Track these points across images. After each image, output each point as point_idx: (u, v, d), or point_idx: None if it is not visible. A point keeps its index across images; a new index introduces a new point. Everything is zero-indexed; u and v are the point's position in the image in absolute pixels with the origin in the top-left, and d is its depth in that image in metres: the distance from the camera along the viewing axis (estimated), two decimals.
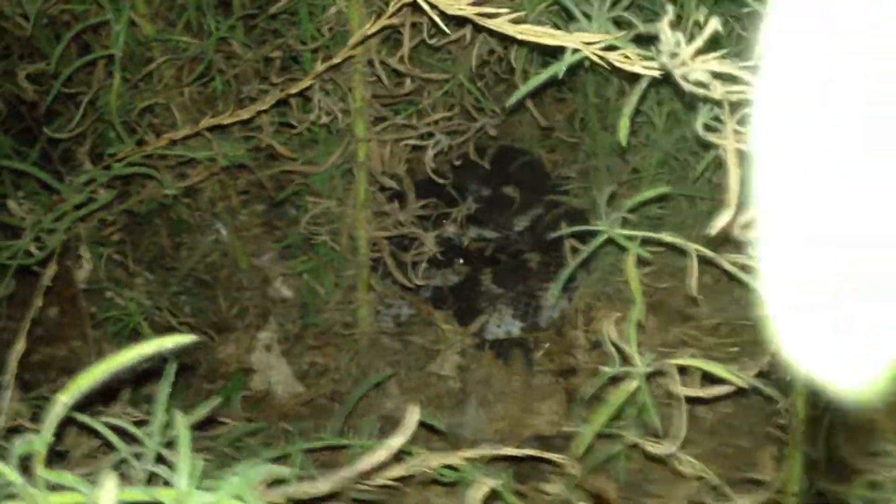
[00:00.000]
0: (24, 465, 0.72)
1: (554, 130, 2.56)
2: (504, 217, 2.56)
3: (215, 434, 1.56)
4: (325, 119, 1.95)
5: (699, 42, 0.93)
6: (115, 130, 2.01)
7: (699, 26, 0.98)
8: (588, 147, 2.38)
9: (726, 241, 1.55)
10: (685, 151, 2.16)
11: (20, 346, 1.35)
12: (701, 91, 1.01)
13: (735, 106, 1.08)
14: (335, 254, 2.08)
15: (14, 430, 1.39)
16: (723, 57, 0.99)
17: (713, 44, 0.98)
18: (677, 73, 0.97)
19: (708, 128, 1.20)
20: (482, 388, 2.07)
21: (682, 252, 2.28)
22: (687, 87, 0.98)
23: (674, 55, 0.94)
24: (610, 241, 1.39)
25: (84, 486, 0.70)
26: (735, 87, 1.02)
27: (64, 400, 0.70)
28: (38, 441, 0.70)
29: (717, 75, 0.99)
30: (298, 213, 2.27)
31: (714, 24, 0.91)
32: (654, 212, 2.20)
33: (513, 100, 1.34)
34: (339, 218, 2.04)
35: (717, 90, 0.99)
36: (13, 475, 0.69)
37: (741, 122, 1.17)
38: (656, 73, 1.16)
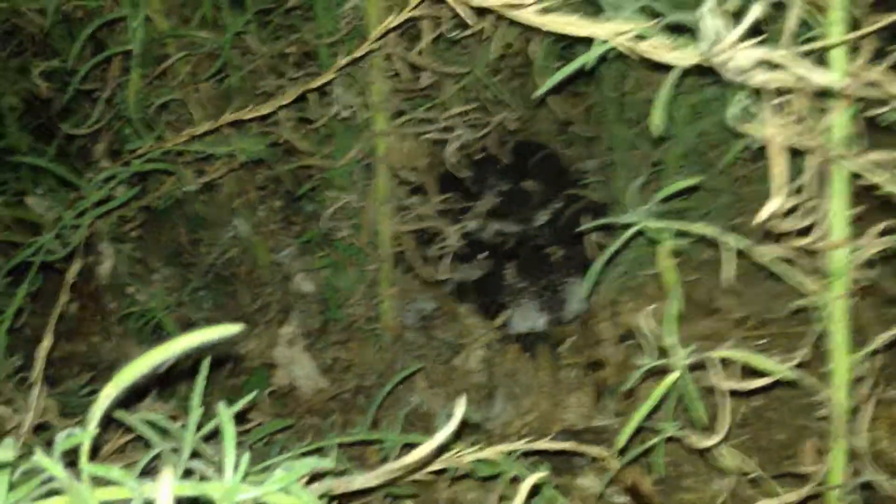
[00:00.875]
0: (65, 460, 0.71)
1: (571, 124, 2.54)
2: (524, 211, 2.54)
3: (245, 429, 1.55)
4: (344, 113, 1.93)
5: (742, 28, 0.90)
6: (133, 127, 2.00)
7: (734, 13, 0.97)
8: (606, 141, 2.37)
9: (756, 233, 1.53)
10: (705, 144, 2.14)
11: (47, 342, 1.34)
12: (741, 79, 0.99)
13: (773, 93, 1.06)
14: (356, 249, 2.07)
15: (42, 427, 1.38)
16: (763, 43, 0.97)
17: (753, 31, 0.96)
18: (717, 61, 0.94)
19: (740, 118, 1.18)
20: (509, 381, 2.05)
21: (707, 244, 2.27)
22: (727, 75, 0.96)
23: (715, 42, 0.92)
24: (635, 234, 1.37)
25: (131, 481, 0.68)
26: (775, 75, 1.00)
27: (109, 393, 0.68)
28: (83, 434, 0.68)
29: (758, 62, 0.97)
30: (317, 208, 2.26)
31: (757, 10, 0.89)
32: (677, 205, 2.18)
33: (540, 91, 1.32)
34: (359, 213, 2.02)
35: (759, 78, 0.97)
36: (57, 469, 0.67)
37: (780, 111, 1.15)
38: (688, 63, 1.14)
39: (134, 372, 0.70)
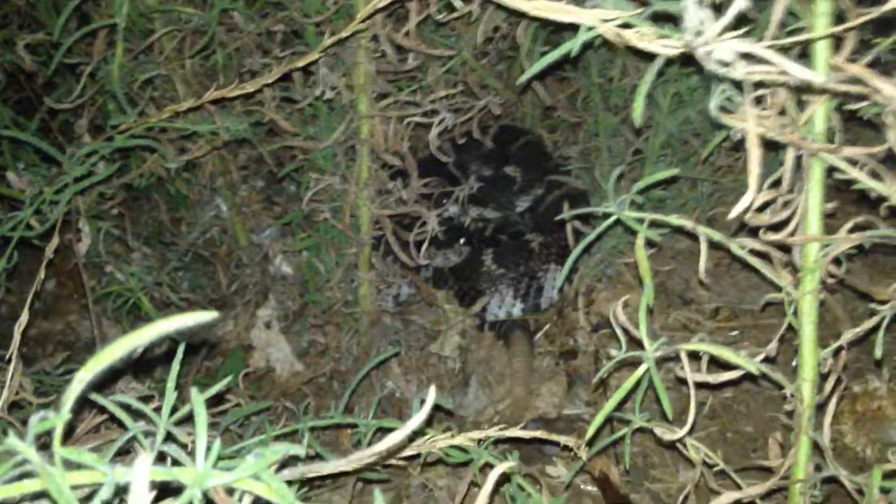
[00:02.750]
0: (39, 442, 0.71)
1: (556, 110, 2.55)
2: (505, 197, 2.55)
3: (220, 410, 1.55)
4: (329, 94, 1.92)
5: (725, 20, 0.91)
6: (117, 102, 1.99)
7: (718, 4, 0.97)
8: (590, 127, 2.37)
9: (732, 225, 1.55)
10: (688, 133, 2.15)
11: (23, 318, 1.34)
12: (723, 71, 0.99)
13: (756, 87, 1.07)
14: (336, 231, 2.07)
15: (17, 405, 1.38)
16: (746, 36, 0.97)
17: (738, 23, 0.97)
18: (701, 52, 0.95)
19: (722, 109, 1.18)
20: (483, 369, 2.07)
21: (682, 234, 2.29)
22: (709, 66, 0.96)
23: (698, 33, 0.92)
24: (613, 223, 1.37)
25: (104, 465, 0.69)
26: (757, 68, 1.01)
27: (84, 377, 0.69)
28: (57, 418, 0.69)
29: (741, 55, 0.97)
30: (299, 189, 2.26)
31: (741, 3, 0.89)
32: (656, 194, 2.19)
33: (524, 77, 1.32)
34: (341, 195, 2.02)
35: (740, 70, 0.98)
36: (30, 453, 0.68)
37: (761, 103, 1.16)
38: (674, 52, 1.15)
39: (109, 356, 0.70)
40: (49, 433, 0.72)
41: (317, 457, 1.39)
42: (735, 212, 1.03)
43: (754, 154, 1.00)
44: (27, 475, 0.71)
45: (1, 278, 1.79)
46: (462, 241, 2.41)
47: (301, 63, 1.81)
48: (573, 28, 1.22)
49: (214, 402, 1.54)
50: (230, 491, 0.76)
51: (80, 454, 0.68)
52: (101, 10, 2.03)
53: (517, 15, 2.02)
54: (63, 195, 1.75)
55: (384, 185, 2.02)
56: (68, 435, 1.32)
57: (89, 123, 2.09)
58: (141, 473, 0.61)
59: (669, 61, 1.18)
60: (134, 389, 1.39)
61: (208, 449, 0.74)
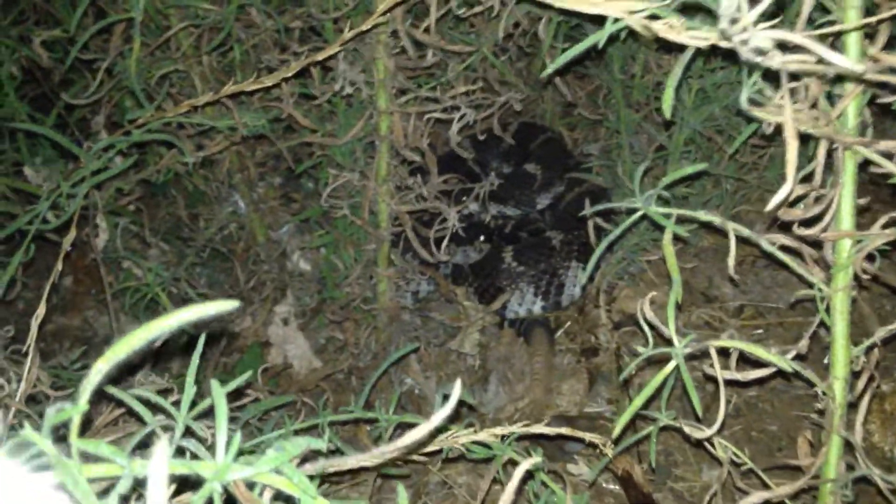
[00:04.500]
0: (56, 435, 0.69)
1: (576, 107, 2.52)
2: (526, 194, 2.53)
3: (239, 405, 1.54)
4: (348, 90, 1.90)
5: (762, 6, 0.88)
6: (134, 97, 1.98)
7: None
8: (611, 124, 2.35)
9: (759, 221, 1.52)
10: (712, 130, 2.12)
11: (41, 311, 1.32)
12: (759, 60, 0.96)
13: (792, 77, 1.04)
14: (355, 228, 2.05)
15: (33, 398, 1.37)
16: (782, 24, 0.94)
17: (769, 14, 0.94)
18: (737, 40, 0.92)
19: (752, 102, 1.16)
20: (503, 366, 2.04)
21: (706, 232, 2.26)
22: (745, 55, 0.93)
23: (734, 21, 0.89)
24: (636, 221, 1.35)
25: (121, 458, 0.67)
26: (794, 57, 0.98)
27: (101, 367, 0.67)
28: (74, 409, 0.67)
29: (777, 44, 0.95)
30: (317, 185, 2.24)
31: None
32: (680, 191, 2.17)
33: (547, 71, 1.29)
34: (359, 191, 2.00)
35: (777, 59, 0.95)
36: (47, 445, 0.66)
37: (793, 96, 1.13)
38: (703, 44, 1.12)
39: (127, 347, 0.68)
40: (66, 425, 0.70)
41: (337, 452, 1.37)
42: (772, 204, 1.00)
43: (792, 146, 0.98)
44: (45, 467, 0.69)
45: (18, 272, 1.78)
46: (482, 238, 2.39)
47: (320, 57, 1.80)
48: (595, 22, 1.19)
49: (233, 397, 1.52)
50: (251, 485, 0.74)
51: (97, 446, 0.66)
52: (118, 5, 2.03)
53: (539, 8, 2.00)
54: (80, 189, 1.73)
55: (403, 181, 2.00)
56: (87, 428, 1.31)
57: (106, 119, 2.09)
58: (159, 466, 0.59)
59: (694, 56, 1.16)
60: (153, 383, 1.38)
61: (229, 442, 0.72)
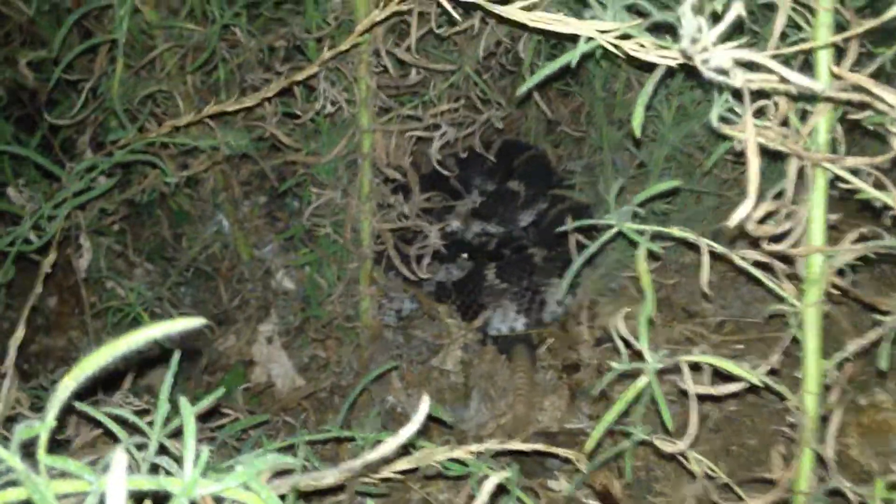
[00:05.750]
0: (27, 452, 0.70)
1: (559, 124, 2.54)
2: (508, 211, 2.54)
3: (218, 425, 1.54)
4: (330, 109, 1.92)
5: (722, 27, 0.90)
6: (117, 118, 1.99)
7: (718, 14, 0.96)
8: (594, 141, 2.37)
9: (736, 237, 1.54)
10: (692, 146, 2.14)
11: (19, 333, 1.33)
12: (721, 79, 0.98)
13: (755, 95, 1.06)
14: (338, 246, 2.06)
15: (13, 419, 1.37)
16: (745, 44, 0.96)
17: (735, 31, 0.96)
18: (698, 60, 0.94)
19: (723, 120, 1.18)
20: (485, 383, 2.05)
21: (687, 247, 2.27)
22: (707, 74, 0.95)
23: (695, 40, 0.91)
24: (615, 237, 1.36)
25: (88, 474, 0.67)
26: (756, 76, 1.00)
27: (68, 384, 0.68)
28: (41, 426, 0.68)
29: (738, 63, 0.97)
30: (301, 204, 2.25)
31: (738, 9, 0.88)
32: (661, 207, 2.18)
33: (523, 89, 1.31)
34: (342, 210, 2.01)
35: (738, 78, 0.97)
36: (15, 461, 0.67)
37: (763, 114, 1.15)
38: (673, 62, 1.14)
39: (93, 363, 0.69)
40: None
41: (314, 470, 1.37)
42: (734, 220, 1.02)
43: (753, 163, 0.99)
44: (12, 483, 0.70)
45: (0, 293, 1.79)
46: (465, 255, 2.40)
47: (300, 77, 1.82)
48: (574, 40, 1.21)
49: (212, 416, 1.53)
50: (219, 501, 0.75)
51: (64, 462, 0.67)
52: (103, 26, 2.04)
53: (518, 28, 2.02)
54: (61, 210, 1.74)
55: (386, 199, 2.02)
56: (65, 448, 1.31)
57: (91, 140, 2.10)
58: (116, 478, 0.60)
59: (673, 73, 1.18)
60: (131, 403, 1.38)
61: (197, 458, 0.73)
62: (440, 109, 2.03)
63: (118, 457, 0.60)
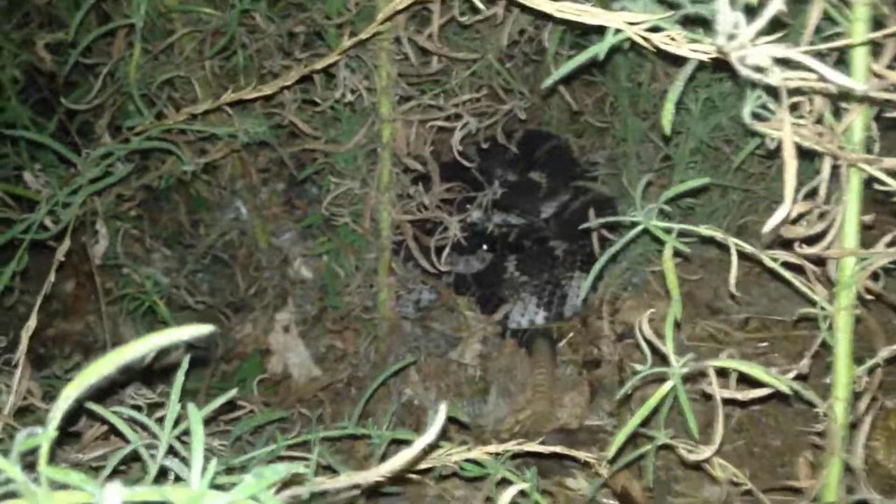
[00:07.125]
0: (28, 460, 0.68)
1: (583, 115, 2.50)
2: (530, 203, 2.51)
3: (233, 418, 1.52)
4: (350, 97, 1.89)
5: (761, 23, 0.85)
6: (135, 103, 1.96)
7: (753, 7, 0.92)
8: (618, 133, 2.32)
9: (763, 234, 1.49)
10: (719, 140, 2.09)
11: (32, 322, 1.31)
12: (758, 76, 0.94)
13: (792, 94, 1.02)
14: (356, 236, 2.03)
15: (25, 410, 1.36)
16: (783, 40, 0.92)
17: (773, 27, 0.92)
18: (734, 57, 0.89)
19: (755, 116, 1.13)
20: (504, 377, 2.02)
21: (712, 243, 2.23)
22: (744, 71, 0.91)
23: (732, 37, 0.87)
24: (639, 232, 1.32)
25: (91, 486, 0.65)
26: (794, 74, 0.96)
27: (71, 394, 0.65)
28: (43, 436, 0.65)
29: (776, 60, 0.92)
30: (320, 192, 2.23)
31: (777, 4, 0.84)
32: (686, 201, 2.14)
33: (549, 81, 1.27)
34: (361, 199, 1.99)
35: (776, 76, 0.92)
36: (15, 472, 0.64)
37: (796, 110, 1.11)
38: (705, 57, 1.10)
39: (96, 372, 0.67)
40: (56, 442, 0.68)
41: (328, 469, 1.35)
42: (769, 225, 0.98)
43: (790, 165, 0.95)
44: (12, 494, 0.67)
45: (14, 279, 1.77)
46: (485, 247, 2.37)
47: (319, 65, 1.78)
48: (601, 31, 1.18)
49: (228, 408, 1.50)
50: None
51: (65, 474, 0.64)
52: (122, 9, 2.01)
53: (543, 18, 1.98)
54: (77, 196, 1.72)
55: (405, 189, 1.99)
56: (76, 441, 1.30)
57: (109, 124, 2.07)
58: (113, 499, 0.57)
59: (701, 66, 1.14)
60: (143, 396, 1.36)
61: (205, 468, 0.71)
62: (462, 99, 1.99)
63: (113, 486, 0.58)
